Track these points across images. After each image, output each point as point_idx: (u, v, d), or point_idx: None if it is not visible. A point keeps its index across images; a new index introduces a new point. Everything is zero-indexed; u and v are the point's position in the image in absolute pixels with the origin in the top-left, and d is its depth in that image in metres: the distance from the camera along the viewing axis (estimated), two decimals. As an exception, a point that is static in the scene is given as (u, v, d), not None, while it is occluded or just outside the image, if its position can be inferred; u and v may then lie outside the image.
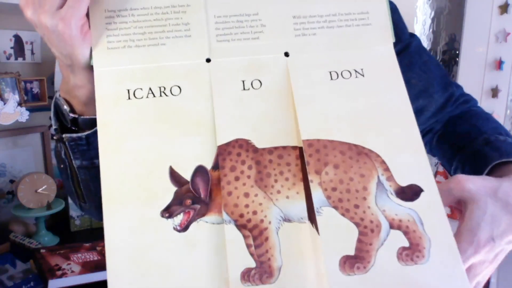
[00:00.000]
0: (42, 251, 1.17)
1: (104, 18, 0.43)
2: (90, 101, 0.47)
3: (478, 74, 1.96)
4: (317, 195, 0.42)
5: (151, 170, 0.42)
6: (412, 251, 0.40)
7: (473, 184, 0.43)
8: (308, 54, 0.46)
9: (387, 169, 0.43)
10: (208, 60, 0.45)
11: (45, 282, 1.04)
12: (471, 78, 1.96)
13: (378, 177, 0.43)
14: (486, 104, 1.98)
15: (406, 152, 0.44)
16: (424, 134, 0.66)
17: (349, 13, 0.47)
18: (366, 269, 0.39)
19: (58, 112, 0.52)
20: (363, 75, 0.46)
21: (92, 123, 0.49)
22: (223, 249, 0.41)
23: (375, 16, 0.48)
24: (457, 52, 2.13)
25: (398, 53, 0.51)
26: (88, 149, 0.50)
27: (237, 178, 0.43)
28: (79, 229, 1.46)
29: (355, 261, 0.39)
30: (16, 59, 1.41)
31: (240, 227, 0.42)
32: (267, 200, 0.43)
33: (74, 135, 0.49)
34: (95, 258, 1.15)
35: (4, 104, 1.21)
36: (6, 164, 1.43)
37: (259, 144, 0.44)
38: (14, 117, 1.23)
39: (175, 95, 0.44)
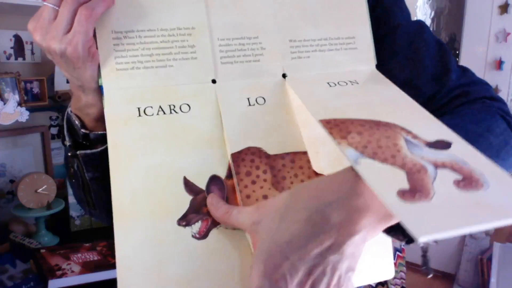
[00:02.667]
0: (42, 251, 1.17)
1: (111, 40, 0.44)
2: (101, 118, 0.48)
3: (478, 74, 1.95)
4: (350, 151, 0.38)
5: (164, 184, 0.42)
6: (469, 182, 0.36)
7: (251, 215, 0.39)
8: (304, 74, 0.50)
9: (409, 132, 0.41)
10: (213, 81, 0.47)
11: (45, 282, 1.04)
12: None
13: (404, 137, 0.41)
14: (486, 104, 1.98)
15: (423, 121, 0.43)
16: None
17: (338, 37, 0.51)
18: (429, 197, 0.34)
19: (71, 129, 0.53)
20: (357, 83, 0.49)
21: (104, 137, 0.49)
22: (248, 254, 0.41)
23: (360, 40, 0.52)
24: (457, 52, 2.14)
25: (381, 38, 0.53)
26: (101, 163, 0.51)
27: (253, 182, 0.43)
28: (79, 229, 1.46)
29: (414, 193, 0.34)
30: (16, 59, 1.41)
31: None
32: None
33: (89, 151, 0.51)
34: (95, 258, 1.15)
35: (4, 104, 1.21)
36: (6, 164, 1.43)
37: (270, 151, 0.45)
38: (14, 117, 1.23)
39: (184, 112, 0.45)
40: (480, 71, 1.97)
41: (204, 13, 0.46)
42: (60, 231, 1.41)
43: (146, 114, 0.44)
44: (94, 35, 0.43)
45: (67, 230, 1.45)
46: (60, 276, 1.04)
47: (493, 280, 1.87)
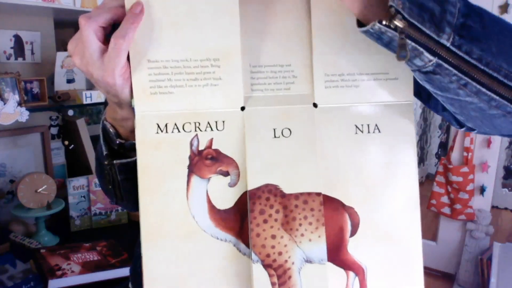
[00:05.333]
0: (42, 251, 1.17)
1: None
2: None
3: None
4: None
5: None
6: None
7: None
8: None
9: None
10: (242, 109, 0.47)
11: (45, 282, 1.04)
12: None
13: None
14: (486, 104, 1.98)
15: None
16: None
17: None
18: None
19: (107, 137, 0.55)
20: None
21: None
22: (250, 283, 0.46)
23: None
24: (457, 52, 2.13)
25: None
26: (135, 169, 0.54)
27: (265, 221, 0.46)
28: (79, 229, 1.46)
29: None
30: (16, 59, 1.41)
31: (266, 266, 0.46)
32: (291, 242, 0.46)
33: (124, 161, 0.54)
34: (95, 258, 1.15)
35: (4, 104, 1.21)
36: (6, 164, 1.43)
37: (287, 190, 0.47)
38: (14, 117, 1.23)
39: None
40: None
41: (238, 38, 0.46)
42: (60, 231, 1.41)
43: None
44: (128, 59, 0.45)
45: (67, 230, 1.45)
46: (60, 276, 1.04)
47: (493, 280, 1.87)
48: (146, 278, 0.45)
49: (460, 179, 2.25)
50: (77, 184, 1.46)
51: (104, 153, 0.55)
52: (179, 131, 0.46)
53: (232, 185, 0.47)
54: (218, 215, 0.47)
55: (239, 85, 0.47)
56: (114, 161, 0.54)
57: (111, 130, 0.54)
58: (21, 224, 1.38)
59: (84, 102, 1.39)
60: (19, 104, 1.26)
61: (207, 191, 0.47)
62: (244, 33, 0.46)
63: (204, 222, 0.46)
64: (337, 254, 0.48)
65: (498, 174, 2.27)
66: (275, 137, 0.47)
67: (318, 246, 0.46)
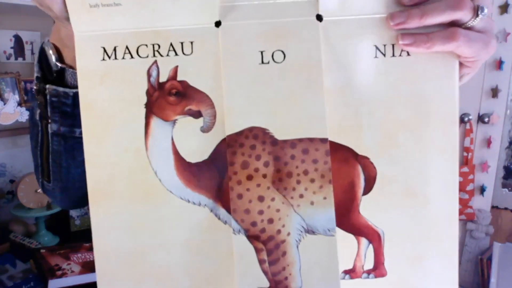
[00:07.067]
0: (42, 251, 1.17)
1: None
2: None
3: (478, 74, 1.96)
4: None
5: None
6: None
7: None
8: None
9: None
10: (217, 24, 0.35)
11: (45, 282, 1.04)
12: (471, 78, 1.96)
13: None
14: (486, 104, 1.98)
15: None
16: None
17: None
18: None
19: (43, 62, 0.42)
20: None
21: None
22: (232, 259, 0.36)
23: None
24: (457, 52, 2.13)
25: None
26: (72, 112, 0.41)
27: (249, 177, 0.35)
28: (79, 229, 1.46)
29: None
30: (16, 59, 1.41)
31: (252, 238, 0.35)
32: (286, 206, 0.35)
33: (61, 89, 0.40)
34: (95, 258, 1.15)
35: (4, 104, 1.21)
36: (6, 164, 1.43)
37: (279, 135, 0.35)
38: (14, 117, 1.23)
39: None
40: (480, 71, 1.97)
41: None
42: (60, 231, 1.41)
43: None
44: None
45: (67, 230, 1.45)
46: (60, 276, 1.04)
47: (493, 280, 1.87)
48: (96, 251, 0.36)
49: (460, 179, 2.25)
50: (77, 184, 1.46)
51: (36, 75, 0.41)
52: (132, 57, 0.35)
53: (205, 129, 0.35)
54: (189, 171, 0.35)
55: None
56: (47, 86, 0.40)
57: (50, 52, 0.40)
58: (21, 224, 1.38)
59: (84, 102, 1.39)
60: (19, 104, 1.26)
61: (172, 139, 0.35)
62: None
63: (170, 180, 0.35)
64: (345, 216, 0.36)
65: (498, 174, 2.27)
66: (262, 62, 0.35)
67: (323, 211, 0.35)
